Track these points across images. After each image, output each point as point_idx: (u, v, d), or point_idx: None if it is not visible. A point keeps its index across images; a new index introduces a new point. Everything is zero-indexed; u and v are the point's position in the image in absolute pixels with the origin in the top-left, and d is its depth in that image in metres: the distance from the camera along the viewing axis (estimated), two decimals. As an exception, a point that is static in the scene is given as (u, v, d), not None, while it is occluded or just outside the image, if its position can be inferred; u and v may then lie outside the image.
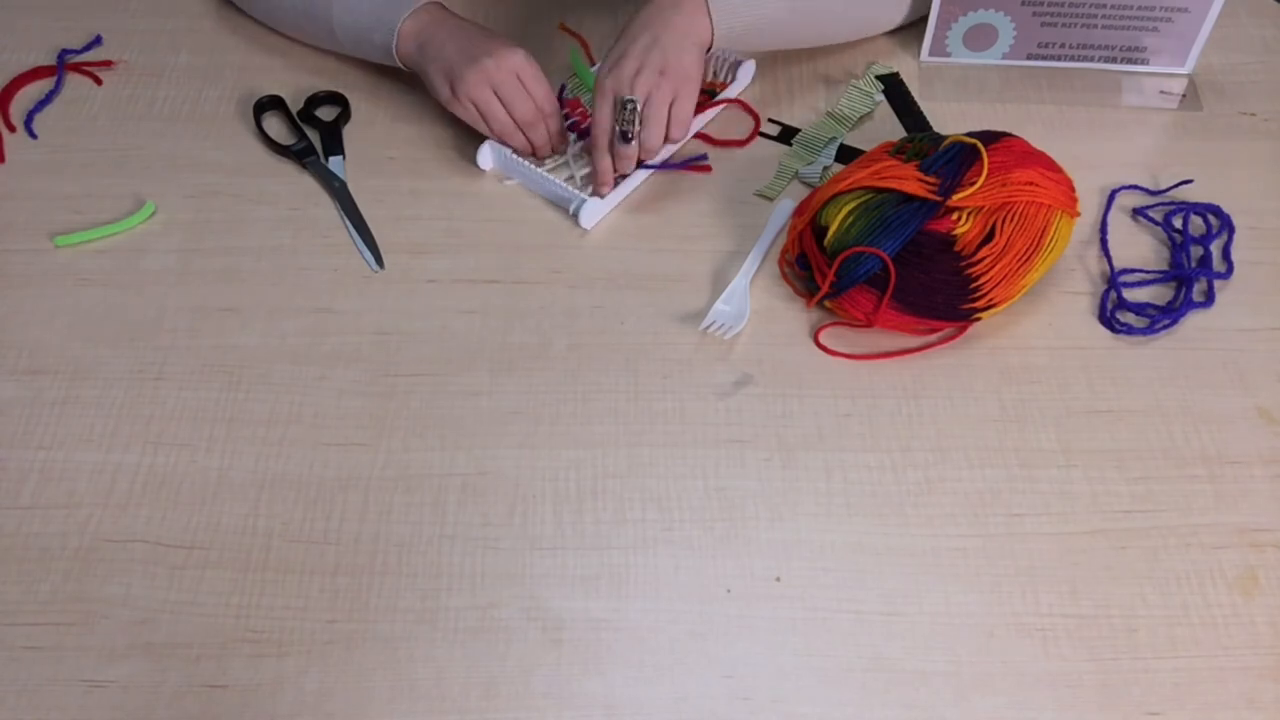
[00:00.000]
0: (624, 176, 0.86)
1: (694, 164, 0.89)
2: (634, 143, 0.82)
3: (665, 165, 0.89)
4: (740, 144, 0.91)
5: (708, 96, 0.93)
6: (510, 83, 0.83)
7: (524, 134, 0.85)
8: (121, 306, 0.81)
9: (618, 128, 0.81)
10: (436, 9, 0.88)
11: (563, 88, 0.93)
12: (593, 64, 0.96)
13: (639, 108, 0.81)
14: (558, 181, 0.85)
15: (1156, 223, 0.86)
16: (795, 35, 0.91)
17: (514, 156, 0.86)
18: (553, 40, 0.99)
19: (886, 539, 0.70)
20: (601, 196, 0.85)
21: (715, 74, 0.96)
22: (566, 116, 0.90)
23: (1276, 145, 0.91)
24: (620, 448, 0.74)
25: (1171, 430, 0.75)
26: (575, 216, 0.85)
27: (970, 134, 0.79)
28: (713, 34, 0.84)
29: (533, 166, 0.86)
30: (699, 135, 0.92)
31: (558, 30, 1.00)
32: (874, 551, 0.69)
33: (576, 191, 0.85)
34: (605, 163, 0.83)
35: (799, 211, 0.82)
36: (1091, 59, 0.96)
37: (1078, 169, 0.81)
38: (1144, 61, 0.95)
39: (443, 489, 0.72)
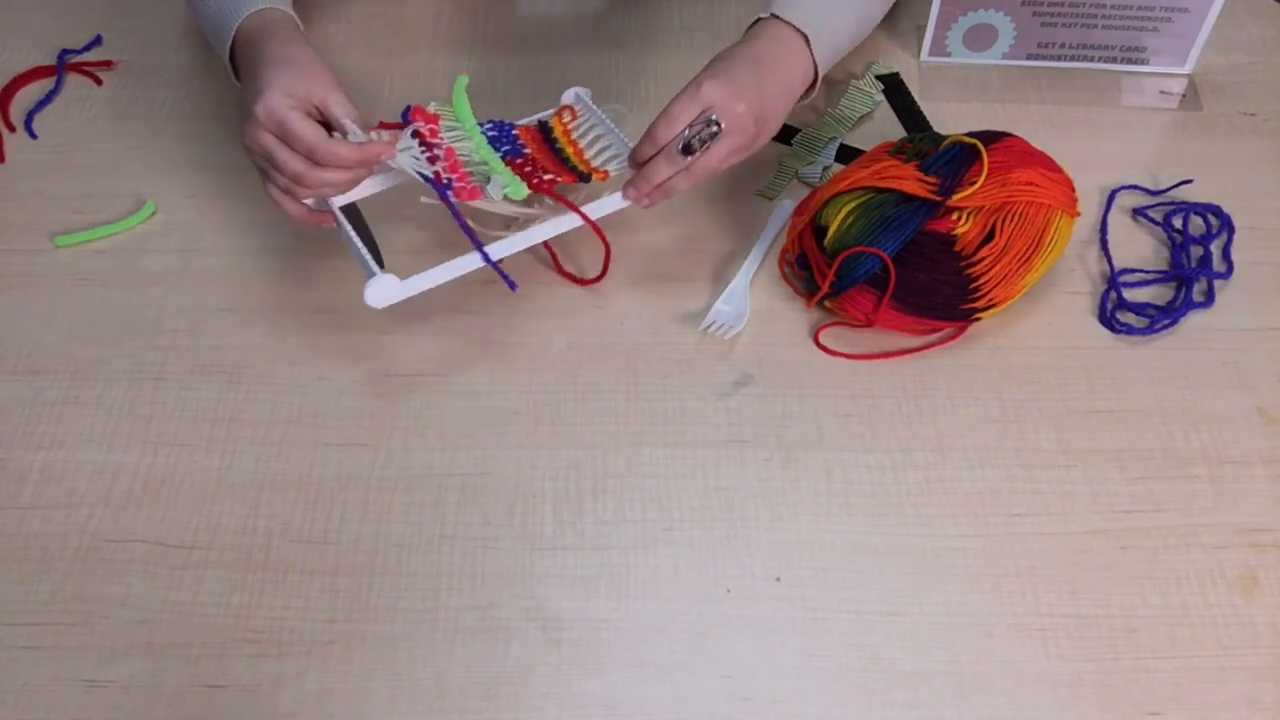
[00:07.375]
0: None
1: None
2: (685, 160, 0.72)
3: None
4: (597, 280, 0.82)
5: (577, 177, 0.77)
6: (274, 134, 0.70)
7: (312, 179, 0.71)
8: (121, 306, 0.81)
9: (686, 137, 0.71)
10: (249, 32, 0.76)
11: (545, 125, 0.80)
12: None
13: (719, 133, 0.72)
14: (357, 243, 0.73)
15: (1156, 223, 0.86)
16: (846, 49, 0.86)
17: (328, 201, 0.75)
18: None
19: (886, 539, 0.70)
20: (641, 203, 0.75)
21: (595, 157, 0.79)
22: (512, 139, 0.77)
23: (1276, 145, 0.91)
24: (620, 448, 0.74)
25: (1171, 430, 0.75)
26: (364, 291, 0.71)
27: (970, 134, 0.79)
28: (814, 81, 0.80)
29: (344, 221, 0.74)
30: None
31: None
32: (874, 551, 0.69)
33: (372, 263, 0.72)
34: (658, 167, 0.73)
35: (799, 211, 0.82)
36: (1091, 59, 0.96)
37: (1078, 169, 0.81)
38: (1144, 61, 0.95)
39: (443, 489, 0.72)
